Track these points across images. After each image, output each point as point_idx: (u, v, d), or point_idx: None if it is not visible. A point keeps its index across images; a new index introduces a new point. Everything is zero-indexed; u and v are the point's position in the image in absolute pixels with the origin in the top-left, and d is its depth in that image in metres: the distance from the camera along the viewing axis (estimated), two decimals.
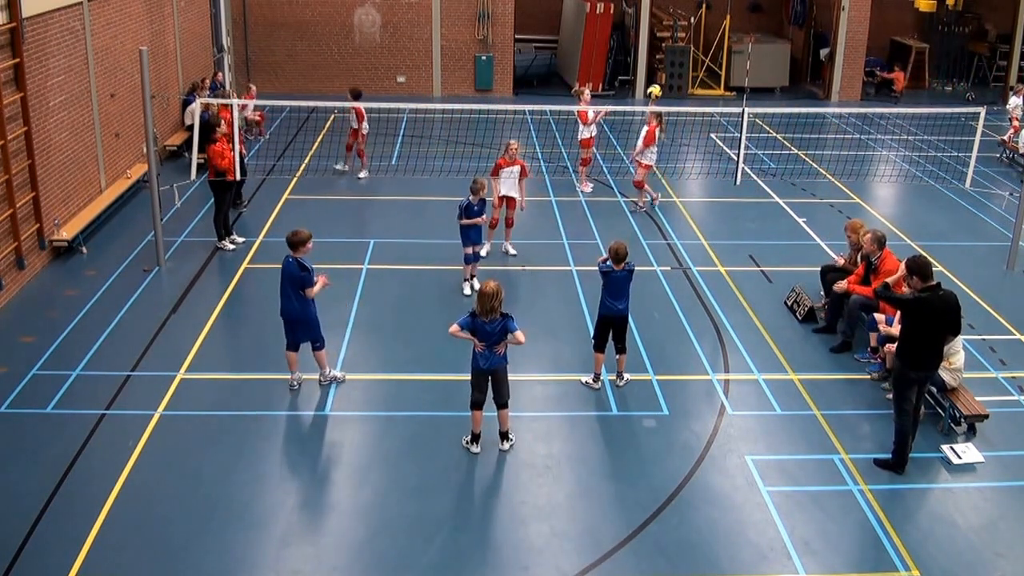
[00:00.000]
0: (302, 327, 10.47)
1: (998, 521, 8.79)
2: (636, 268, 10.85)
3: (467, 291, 13.28)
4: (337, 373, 10.97)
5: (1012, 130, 21.81)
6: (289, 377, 10.74)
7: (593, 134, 18.02)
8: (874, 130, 24.33)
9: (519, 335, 9.16)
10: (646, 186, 17.20)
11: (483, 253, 14.16)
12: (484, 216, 13.23)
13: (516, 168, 14.36)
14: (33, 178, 13.59)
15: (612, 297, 10.58)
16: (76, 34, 15.12)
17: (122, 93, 17.16)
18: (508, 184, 14.33)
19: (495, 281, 9.24)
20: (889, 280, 10.23)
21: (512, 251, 14.65)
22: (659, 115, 16.88)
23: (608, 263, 10.54)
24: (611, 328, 10.74)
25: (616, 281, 10.51)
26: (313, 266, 10.34)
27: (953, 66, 30.92)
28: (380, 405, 10.56)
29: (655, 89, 20.45)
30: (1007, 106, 22.75)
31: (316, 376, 10.87)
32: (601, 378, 10.96)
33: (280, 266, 10.40)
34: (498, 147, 15.23)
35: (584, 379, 11.01)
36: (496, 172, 14.38)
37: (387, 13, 27.11)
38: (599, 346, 10.83)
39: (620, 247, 10.50)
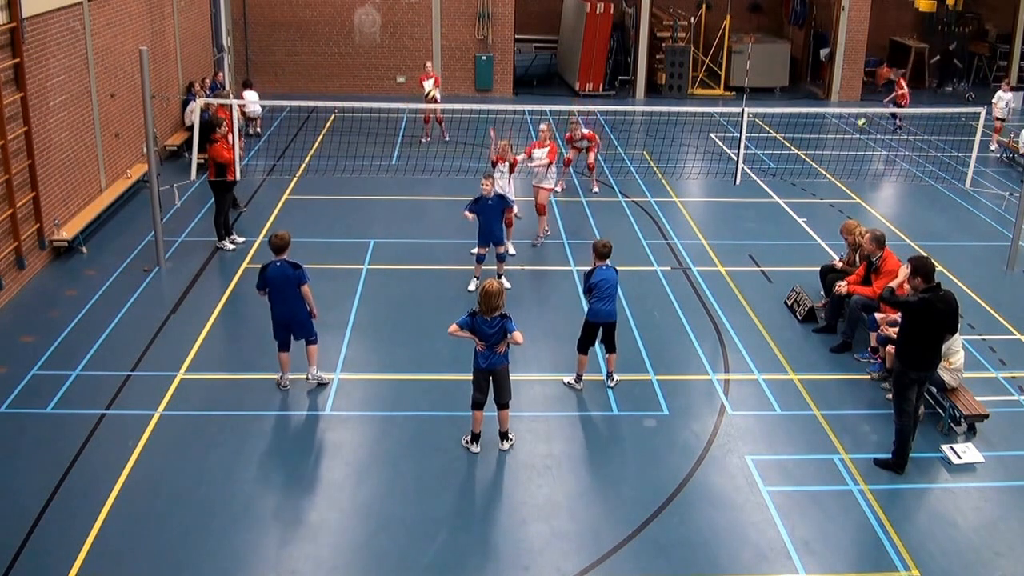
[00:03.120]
0: (299, 326, 10.50)
1: (998, 521, 8.79)
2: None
3: (471, 287, 13.32)
4: (323, 375, 10.90)
5: (995, 132, 22.05)
6: (279, 377, 10.74)
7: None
8: (874, 130, 24.33)
9: (517, 335, 9.16)
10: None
11: (511, 251, 14.40)
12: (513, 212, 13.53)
13: (507, 165, 14.37)
14: (33, 178, 13.60)
15: (602, 300, 10.53)
16: (76, 34, 15.13)
17: (122, 93, 17.16)
18: (500, 184, 14.33)
19: (498, 281, 9.26)
20: (893, 284, 10.22)
21: (511, 251, 14.65)
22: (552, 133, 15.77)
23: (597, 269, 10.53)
24: (600, 331, 10.74)
25: (607, 281, 10.51)
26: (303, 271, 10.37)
27: (953, 66, 30.92)
28: (380, 405, 10.56)
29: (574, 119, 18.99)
30: (992, 100, 22.84)
31: (303, 375, 10.81)
32: (583, 379, 10.96)
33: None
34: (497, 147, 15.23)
35: (567, 379, 11.00)
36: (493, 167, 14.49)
37: (387, 13, 27.11)
38: (583, 349, 10.83)
39: (606, 242, 10.62)
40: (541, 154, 15.04)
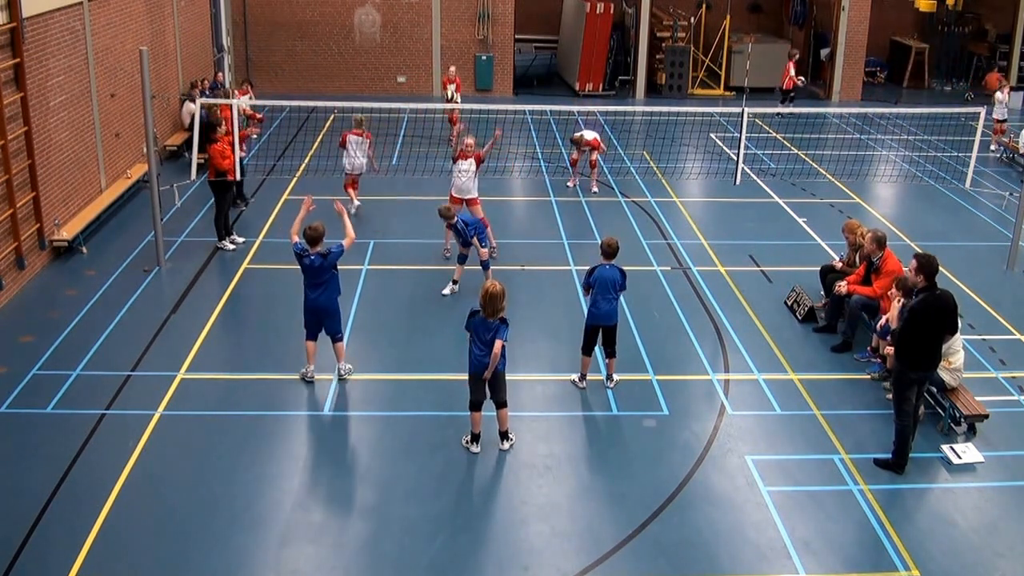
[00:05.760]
0: (329, 316, 10.61)
1: (998, 521, 8.79)
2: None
3: (445, 291, 13.31)
4: (350, 365, 11.10)
5: (996, 132, 22.00)
6: (304, 370, 10.84)
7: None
8: (874, 130, 24.34)
9: (498, 344, 9.12)
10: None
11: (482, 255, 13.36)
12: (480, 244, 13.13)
13: (469, 162, 14.31)
14: (33, 178, 13.60)
15: (598, 302, 10.51)
16: (76, 34, 15.13)
17: (122, 93, 17.16)
18: (463, 182, 14.36)
19: (500, 283, 9.23)
20: (891, 325, 10.20)
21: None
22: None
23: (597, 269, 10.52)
24: (600, 333, 10.73)
25: (603, 280, 10.49)
26: (331, 249, 10.47)
27: (953, 66, 30.92)
28: (380, 405, 10.56)
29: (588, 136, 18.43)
30: (997, 98, 22.80)
31: (328, 375, 10.90)
32: (587, 378, 10.98)
33: (291, 267, 10.40)
34: (498, 147, 15.22)
35: (573, 377, 11.03)
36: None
37: (387, 13, 27.12)
38: (586, 351, 10.84)
39: (611, 241, 10.60)
40: (468, 166, 14.28)
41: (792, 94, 25.60)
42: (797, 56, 26.28)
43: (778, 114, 24.29)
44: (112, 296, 13.09)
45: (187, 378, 10.95)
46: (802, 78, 26.55)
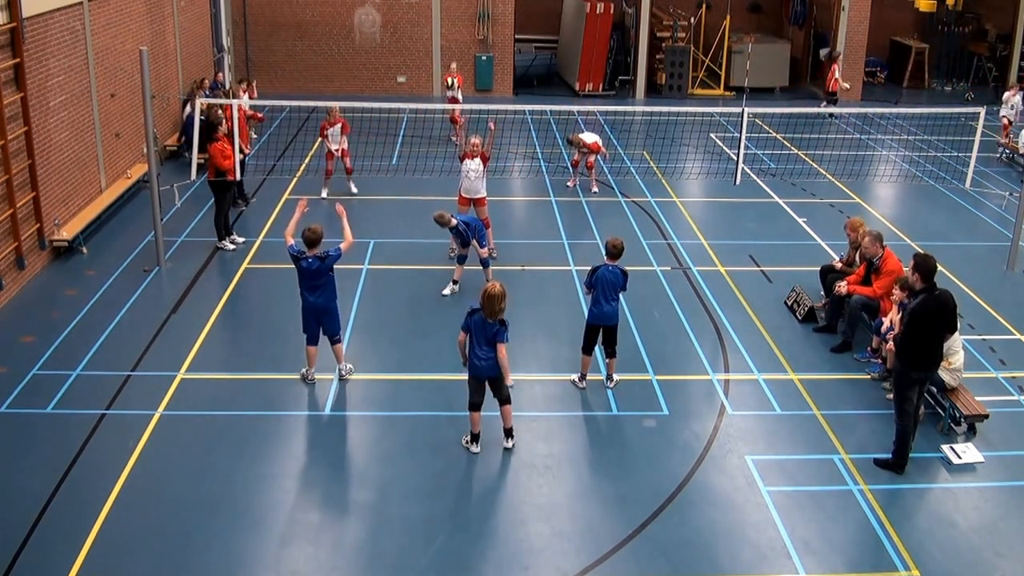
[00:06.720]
0: (328, 317, 10.61)
1: (998, 521, 8.79)
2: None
3: (446, 292, 13.31)
4: (350, 365, 11.10)
5: (1004, 132, 21.91)
6: (304, 371, 10.85)
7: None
8: (874, 130, 24.33)
9: (503, 349, 9.11)
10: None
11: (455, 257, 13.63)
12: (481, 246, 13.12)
13: (476, 161, 14.25)
14: (33, 178, 13.60)
15: (599, 302, 10.51)
16: (76, 34, 15.13)
17: (122, 93, 17.16)
18: (471, 183, 14.27)
19: (500, 284, 9.23)
20: (893, 326, 10.17)
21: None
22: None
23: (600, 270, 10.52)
24: (601, 333, 10.73)
25: (602, 281, 10.48)
26: (329, 252, 10.45)
27: (953, 66, 30.92)
28: (380, 405, 10.56)
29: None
30: (1004, 98, 22.68)
31: (328, 375, 10.91)
32: (586, 378, 10.98)
33: (290, 267, 10.39)
34: (498, 147, 15.21)
35: (572, 377, 11.02)
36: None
37: (387, 13, 27.12)
38: (587, 350, 10.84)
39: (616, 241, 10.60)
40: (476, 165, 14.19)
41: (835, 97, 25.61)
42: (840, 57, 26.31)
43: (830, 115, 24.62)
44: (112, 296, 13.09)
45: (187, 378, 10.95)
46: (847, 85, 26.45)
